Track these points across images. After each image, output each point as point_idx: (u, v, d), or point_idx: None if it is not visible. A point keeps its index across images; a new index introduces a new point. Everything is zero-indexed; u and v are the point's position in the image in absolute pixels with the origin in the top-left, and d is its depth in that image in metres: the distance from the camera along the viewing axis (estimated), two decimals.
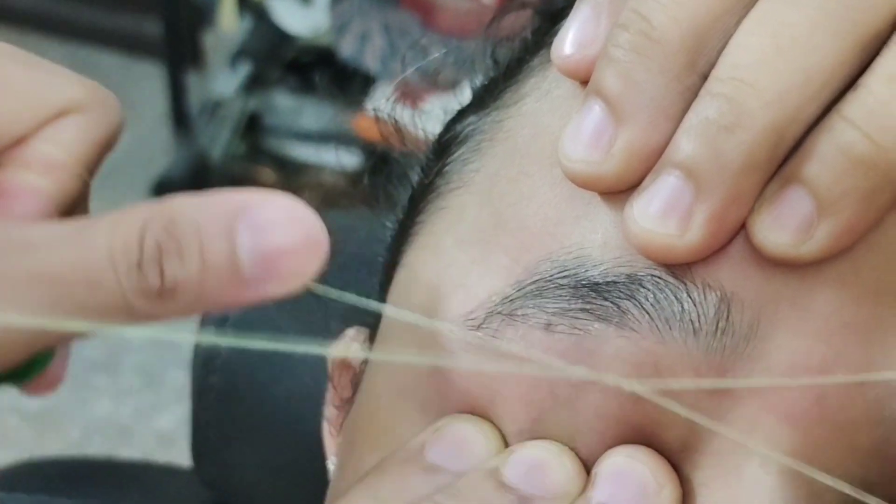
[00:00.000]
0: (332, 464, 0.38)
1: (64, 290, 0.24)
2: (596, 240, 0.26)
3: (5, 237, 0.24)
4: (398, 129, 0.39)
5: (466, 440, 0.27)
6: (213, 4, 1.74)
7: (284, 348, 0.22)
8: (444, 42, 0.40)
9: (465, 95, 0.36)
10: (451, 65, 0.40)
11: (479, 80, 0.36)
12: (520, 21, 0.37)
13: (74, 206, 0.30)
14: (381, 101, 0.39)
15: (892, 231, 0.25)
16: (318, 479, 0.40)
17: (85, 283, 0.24)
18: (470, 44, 0.38)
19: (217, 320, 0.54)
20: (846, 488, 0.24)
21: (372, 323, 0.35)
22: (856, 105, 0.23)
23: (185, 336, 0.27)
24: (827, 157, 0.23)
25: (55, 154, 0.28)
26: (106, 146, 0.30)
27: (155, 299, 0.24)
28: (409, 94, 0.40)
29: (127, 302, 0.24)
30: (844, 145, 0.23)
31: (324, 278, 0.35)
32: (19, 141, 0.28)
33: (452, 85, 0.39)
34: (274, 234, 0.24)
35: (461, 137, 0.32)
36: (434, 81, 0.40)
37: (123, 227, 0.24)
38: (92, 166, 0.29)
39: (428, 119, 0.38)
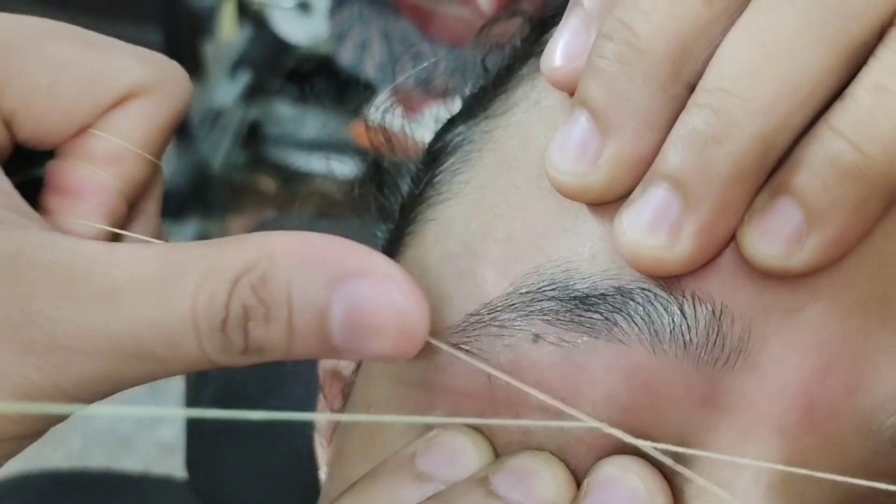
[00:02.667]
0: (324, 474, 0.38)
1: (141, 352, 0.24)
2: (584, 252, 0.26)
3: (82, 282, 0.24)
4: (389, 137, 0.38)
5: (458, 450, 0.26)
6: (213, 13, 1.75)
7: None
8: (443, 50, 0.40)
9: (456, 104, 0.36)
10: (447, 72, 0.39)
11: (469, 89, 0.36)
12: (511, 28, 0.36)
13: (143, 189, 0.29)
14: (374, 109, 0.39)
15: (881, 243, 0.24)
16: (309, 490, 0.39)
17: (164, 343, 0.24)
18: (466, 51, 0.38)
19: None
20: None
21: None
22: (843, 115, 0.22)
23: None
24: (815, 168, 0.23)
25: (119, 143, 0.28)
26: (174, 125, 0.29)
27: (237, 356, 0.24)
28: (407, 103, 0.40)
29: (207, 358, 0.24)
30: (833, 155, 0.22)
31: None
32: (81, 129, 0.28)
33: (450, 93, 0.38)
34: (368, 311, 0.24)
35: (451, 147, 0.32)
36: (431, 90, 0.40)
37: (211, 282, 0.24)
38: (159, 149, 0.29)
39: (424, 127, 0.38)
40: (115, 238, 0.28)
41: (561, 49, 0.27)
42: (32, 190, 0.28)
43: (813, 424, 0.24)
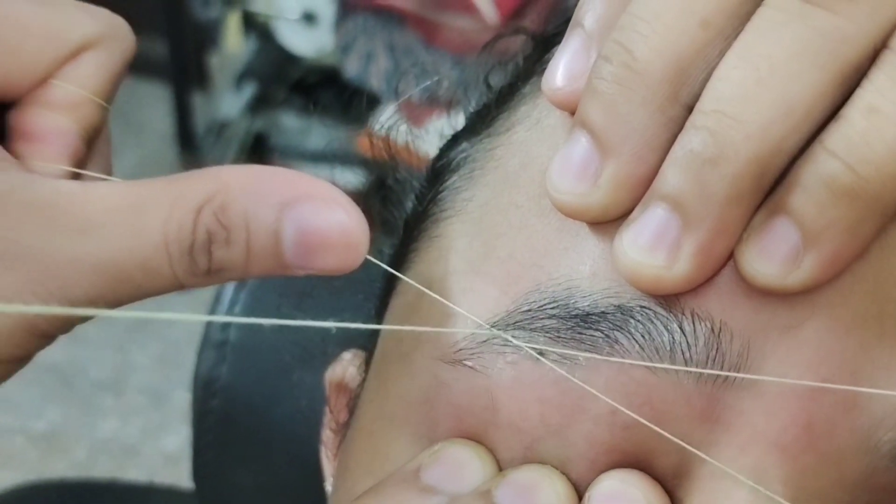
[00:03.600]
0: (330, 486, 0.38)
1: (122, 276, 0.26)
2: (584, 271, 0.26)
3: (66, 216, 0.26)
4: (394, 153, 0.39)
5: (462, 463, 0.27)
6: (219, 25, 1.75)
7: None
8: (447, 61, 0.40)
9: (459, 120, 0.36)
10: (451, 85, 0.40)
11: (472, 105, 0.36)
12: (515, 44, 0.37)
13: (97, 133, 0.31)
14: (381, 122, 0.40)
15: (876, 261, 0.25)
16: (315, 502, 0.40)
17: (141, 269, 0.26)
18: (469, 65, 0.38)
19: (218, 342, 0.54)
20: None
21: (369, 346, 0.35)
22: (837, 136, 0.23)
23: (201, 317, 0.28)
24: (811, 188, 0.23)
25: (77, 91, 0.30)
26: (122, 74, 0.31)
27: (202, 277, 0.27)
28: (411, 115, 0.40)
29: (177, 281, 0.27)
30: (827, 176, 0.23)
31: (320, 302, 0.35)
32: (42, 81, 0.30)
33: (453, 105, 0.39)
34: (316, 230, 0.26)
35: (454, 164, 0.33)
36: (435, 102, 0.40)
37: (178, 212, 0.26)
38: (111, 95, 0.31)
39: (427, 139, 0.38)
40: (78, 178, 0.31)
41: (562, 70, 0.27)
42: None
43: (811, 441, 0.25)
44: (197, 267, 0.26)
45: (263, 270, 0.27)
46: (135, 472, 1.48)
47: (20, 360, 0.27)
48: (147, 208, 0.26)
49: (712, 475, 0.25)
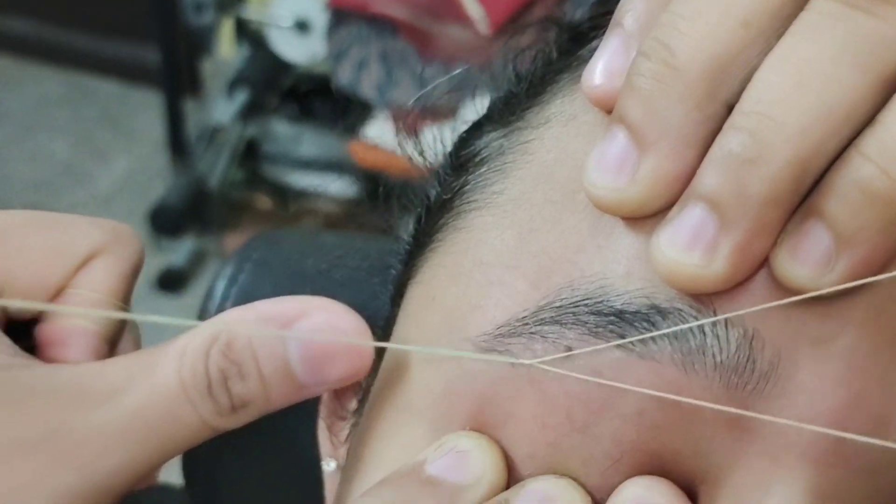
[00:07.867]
0: (326, 465, 0.38)
1: (150, 430, 0.28)
2: (618, 270, 0.26)
3: (90, 390, 0.28)
4: (428, 163, 0.38)
5: (465, 453, 0.27)
6: (212, 32, 1.76)
7: None
8: (441, 70, 0.40)
9: (478, 108, 0.36)
10: (450, 90, 0.39)
11: (497, 93, 0.35)
12: (537, 34, 0.36)
13: (119, 334, 0.33)
14: (386, 125, 0.39)
15: None
16: (310, 495, 0.39)
17: (167, 419, 0.28)
18: (469, 70, 0.38)
19: None
20: None
21: (383, 332, 0.35)
22: (872, 141, 0.23)
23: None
24: (844, 192, 0.23)
25: (90, 295, 0.32)
26: (134, 275, 0.34)
27: (229, 415, 0.28)
28: (408, 121, 0.40)
29: (206, 424, 0.28)
30: (861, 180, 0.23)
31: (321, 290, 0.35)
32: (57, 291, 0.32)
33: (451, 112, 0.39)
34: (319, 343, 0.28)
35: (482, 155, 0.32)
36: (433, 109, 0.40)
37: (188, 357, 0.28)
38: (126, 296, 0.33)
39: (430, 142, 0.38)
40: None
41: (601, 68, 0.27)
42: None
43: (842, 456, 0.25)
44: (221, 406, 0.28)
45: (284, 396, 0.28)
46: None
47: None
48: (159, 362, 0.28)
49: (741, 485, 0.25)
